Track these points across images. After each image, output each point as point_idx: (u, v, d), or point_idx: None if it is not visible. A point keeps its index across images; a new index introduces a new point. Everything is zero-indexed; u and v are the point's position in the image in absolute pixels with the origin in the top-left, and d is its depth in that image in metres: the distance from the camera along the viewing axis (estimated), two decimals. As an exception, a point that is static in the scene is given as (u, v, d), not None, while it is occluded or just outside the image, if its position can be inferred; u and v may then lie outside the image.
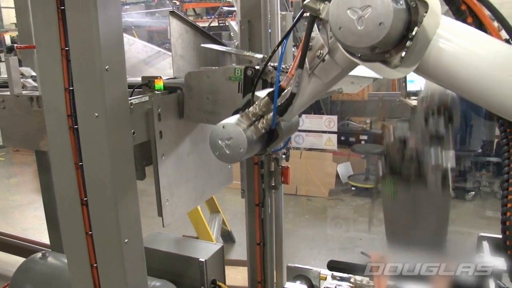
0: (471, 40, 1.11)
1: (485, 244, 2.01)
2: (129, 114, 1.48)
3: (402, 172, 1.33)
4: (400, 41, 1.08)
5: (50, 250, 2.78)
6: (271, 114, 1.39)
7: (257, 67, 1.61)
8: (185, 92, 1.80)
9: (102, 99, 1.37)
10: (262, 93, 1.46)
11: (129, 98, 1.54)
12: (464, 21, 1.15)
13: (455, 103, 1.32)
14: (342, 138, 7.34)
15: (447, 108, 1.32)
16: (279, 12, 2.41)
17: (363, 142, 7.26)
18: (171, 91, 1.79)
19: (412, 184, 1.33)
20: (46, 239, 3.28)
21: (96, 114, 1.38)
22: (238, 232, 4.86)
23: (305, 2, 1.22)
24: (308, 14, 1.25)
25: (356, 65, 1.23)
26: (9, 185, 7.83)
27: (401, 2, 1.05)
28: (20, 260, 2.58)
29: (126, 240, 1.48)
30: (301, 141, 2.16)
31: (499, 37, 1.12)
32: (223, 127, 1.41)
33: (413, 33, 1.06)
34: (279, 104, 1.38)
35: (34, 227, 5.62)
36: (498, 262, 1.84)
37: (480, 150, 6.34)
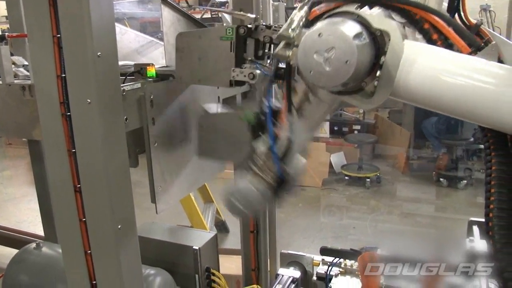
0: (436, 58, 1.15)
1: (475, 229, 2.04)
2: (121, 100, 1.48)
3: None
4: (372, 69, 1.15)
5: (44, 241, 2.79)
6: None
7: (249, 25, 1.58)
8: (176, 53, 1.75)
9: (94, 86, 1.37)
10: (259, 143, 1.49)
11: (122, 85, 1.54)
12: (430, 38, 1.20)
13: None
14: (335, 128, 7.38)
15: None
16: (271, 2, 2.41)
17: (356, 132, 7.30)
18: (163, 78, 1.79)
19: None
20: (40, 231, 3.28)
21: (89, 101, 1.38)
22: (232, 222, 4.87)
23: (275, 52, 1.30)
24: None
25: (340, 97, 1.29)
26: (2, 178, 7.81)
27: (363, 37, 1.11)
28: (14, 252, 2.57)
29: (120, 226, 1.49)
30: None
31: (466, 49, 1.17)
32: (238, 188, 1.46)
33: (380, 62, 1.12)
34: (281, 154, 1.41)
35: (28, 219, 5.62)
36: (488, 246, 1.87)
37: (472, 139, 6.39)
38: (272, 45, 1.58)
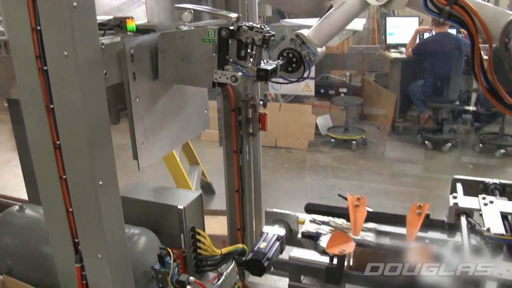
0: None
1: (459, 186, 2.06)
2: (100, 54, 1.44)
3: None
4: None
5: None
6: None
7: (231, 27, 1.58)
8: (159, 54, 1.78)
9: (70, 38, 1.32)
10: None
11: (100, 38, 1.49)
12: None
13: None
14: (322, 91, 7.34)
15: None
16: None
17: (342, 94, 7.27)
18: (144, 32, 1.74)
19: None
20: (25, 196, 3.25)
21: (66, 54, 1.33)
22: (218, 184, 4.88)
23: None
24: None
25: None
26: (-16, 144, 7.69)
27: None
28: (-3, 216, 2.55)
29: (101, 183, 1.47)
30: (278, 87, 2.13)
31: None
32: None
33: None
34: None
35: (12, 185, 5.56)
36: (471, 202, 1.89)
37: (457, 102, 6.41)
38: (254, 46, 1.61)
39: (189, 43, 1.72)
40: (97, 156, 1.45)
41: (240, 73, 1.60)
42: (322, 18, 1.75)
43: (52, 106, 1.43)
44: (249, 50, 1.62)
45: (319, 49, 1.80)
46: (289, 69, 1.81)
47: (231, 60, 1.62)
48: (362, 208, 1.89)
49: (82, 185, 1.49)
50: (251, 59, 1.63)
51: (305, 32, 1.78)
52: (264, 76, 1.63)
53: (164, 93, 1.87)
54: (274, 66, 1.69)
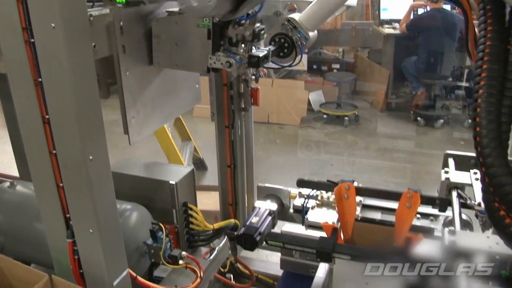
0: None
1: (451, 161, 2.06)
2: (88, 25, 1.40)
3: None
4: None
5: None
6: None
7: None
8: (153, 39, 1.78)
9: (58, 9, 1.28)
10: None
11: (89, 10, 1.45)
12: None
13: None
14: (314, 66, 7.31)
15: None
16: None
17: (335, 70, 7.24)
18: (133, 4, 1.70)
19: None
20: (16, 172, 3.22)
21: (53, 25, 1.29)
22: (210, 160, 4.87)
23: None
24: None
25: None
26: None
27: None
28: (-12, 194, 2.52)
29: (91, 158, 1.45)
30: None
31: None
32: None
33: None
34: None
35: (3, 161, 5.52)
36: (462, 177, 1.90)
37: (450, 79, 6.41)
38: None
39: (183, 28, 1.72)
40: (87, 130, 1.43)
41: (233, 60, 1.63)
42: (313, 2, 1.73)
43: (40, 79, 1.40)
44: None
45: (310, 33, 1.79)
46: (281, 54, 1.81)
47: (223, 46, 1.66)
48: (352, 199, 1.79)
49: (72, 160, 1.46)
50: (243, 45, 1.66)
51: (296, 16, 1.77)
52: (256, 62, 1.66)
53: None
54: (266, 52, 1.70)
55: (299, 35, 1.77)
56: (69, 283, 1.64)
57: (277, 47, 1.80)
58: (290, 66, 1.86)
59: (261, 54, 1.67)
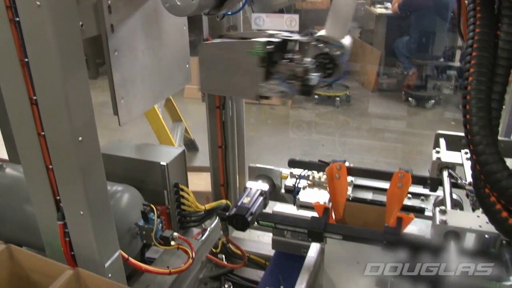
0: None
1: (442, 141, 2.07)
2: (75, 4, 1.37)
3: None
4: None
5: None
6: None
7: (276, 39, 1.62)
8: (200, 64, 1.76)
9: (43, -14, 1.25)
10: None
11: (75, -12, 1.42)
12: None
13: None
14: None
15: None
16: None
17: (326, 50, 7.20)
18: (122, -18, 1.67)
19: None
20: (5, 155, 3.19)
21: (38, 3, 1.26)
22: (202, 141, 4.86)
23: None
24: None
25: None
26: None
27: None
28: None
29: (80, 139, 1.43)
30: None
31: None
32: None
33: None
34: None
35: (-8, 144, 5.47)
36: (453, 157, 1.91)
37: (442, 59, 6.41)
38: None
39: (233, 55, 1.70)
40: (75, 111, 1.41)
41: (286, 89, 1.63)
42: (330, 13, 1.68)
43: (26, 59, 1.37)
44: None
45: (343, 41, 1.74)
46: (328, 72, 1.73)
47: (275, 76, 1.65)
48: (343, 179, 1.80)
49: (61, 141, 1.45)
50: None
51: (322, 33, 1.71)
52: (308, 91, 1.65)
53: (144, 46, 1.81)
54: (318, 80, 1.67)
55: (335, 47, 1.72)
56: (96, 276, 1.60)
57: (321, 69, 1.72)
58: (338, 79, 1.80)
59: (313, 83, 1.64)
